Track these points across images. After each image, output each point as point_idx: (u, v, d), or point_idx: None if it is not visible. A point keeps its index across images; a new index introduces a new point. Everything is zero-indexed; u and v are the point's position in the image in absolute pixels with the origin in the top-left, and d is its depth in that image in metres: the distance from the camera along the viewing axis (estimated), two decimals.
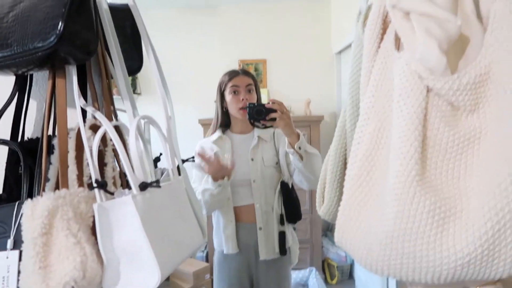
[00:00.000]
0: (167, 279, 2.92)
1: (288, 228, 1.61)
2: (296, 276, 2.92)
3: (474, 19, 0.62)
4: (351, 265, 3.15)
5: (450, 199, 0.55)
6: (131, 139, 0.63)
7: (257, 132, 1.60)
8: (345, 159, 0.80)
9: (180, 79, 3.43)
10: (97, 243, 0.60)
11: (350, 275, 3.17)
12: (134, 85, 3.53)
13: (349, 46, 3.04)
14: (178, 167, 0.81)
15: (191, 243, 0.72)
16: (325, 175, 0.84)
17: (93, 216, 0.62)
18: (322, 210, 0.82)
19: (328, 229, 3.49)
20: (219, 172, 1.38)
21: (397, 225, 0.54)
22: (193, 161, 0.87)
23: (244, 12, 3.54)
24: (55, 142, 0.66)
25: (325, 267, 3.23)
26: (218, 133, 1.62)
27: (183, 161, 0.88)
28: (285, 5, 3.52)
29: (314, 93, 3.47)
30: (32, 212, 0.59)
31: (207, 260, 3.12)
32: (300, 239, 3.05)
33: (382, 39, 0.67)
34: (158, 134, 0.74)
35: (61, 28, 0.58)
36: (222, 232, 1.58)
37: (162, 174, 0.88)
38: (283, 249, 1.55)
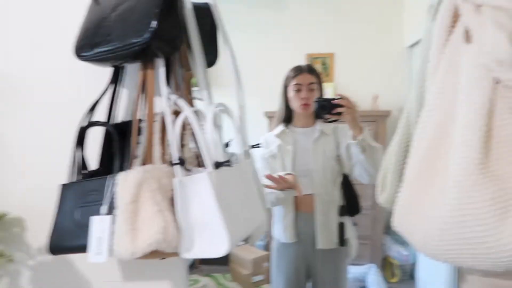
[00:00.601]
0: (228, 263, 3.05)
1: (347, 220, 1.64)
2: (355, 271, 2.90)
3: None
4: (413, 265, 3.06)
5: None
6: (209, 124, 0.70)
7: (318, 126, 1.65)
8: (408, 149, 0.82)
9: (247, 72, 3.50)
10: (174, 212, 0.69)
11: (411, 275, 3.08)
12: None
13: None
14: (247, 152, 0.88)
15: (255, 220, 0.79)
16: (387, 164, 0.86)
17: (172, 190, 0.70)
18: (383, 198, 0.84)
19: (390, 227, 3.40)
20: (286, 187, 1.48)
21: (455, 211, 0.56)
22: (259, 147, 0.96)
23: (312, 6, 3.54)
24: (143, 125, 0.76)
25: (386, 265, 3.16)
26: (281, 127, 1.70)
27: (251, 147, 0.95)
28: None
29: (383, 87, 3.38)
30: (124, 183, 0.69)
31: (266, 249, 3.21)
32: (361, 235, 3.03)
33: (451, 32, 0.68)
34: (231, 121, 0.81)
35: (155, 26, 0.67)
36: (281, 221, 1.64)
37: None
38: (341, 239, 1.57)
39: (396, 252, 3.09)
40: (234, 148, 0.88)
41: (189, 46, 0.84)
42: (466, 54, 0.62)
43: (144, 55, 0.72)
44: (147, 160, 0.74)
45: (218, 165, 0.70)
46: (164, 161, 0.74)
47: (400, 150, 0.82)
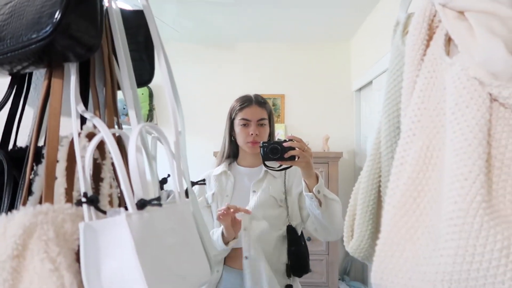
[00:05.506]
0: None
1: (295, 282, 1.40)
2: None
3: None
4: None
5: None
6: (131, 148, 0.53)
7: None
8: (379, 186, 0.69)
9: (197, 112, 3.40)
10: (80, 271, 0.49)
11: None
12: (151, 116, 3.51)
13: (370, 83, 2.97)
14: (186, 190, 0.71)
15: (196, 278, 0.60)
16: (355, 206, 0.72)
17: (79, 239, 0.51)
18: (351, 246, 0.69)
19: (345, 273, 3.26)
20: (231, 226, 1.27)
21: (457, 265, 0.42)
22: (204, 183, 0.78)
23: (262, 49, 3.55)
24: (44, 150, 0.57)
25: None
26: (223, 167, 1.47)
27: (193, 183, 0.78)
28: (305, 43, 3.51)
29: (332, 129, 3.38)
30: (5, 230, 0.49)
31: None
32: (315, 283, 2.85)
33: (428, 45, 0.58)
34: (165, 149, 0.65)
35: (59, 17, 0.51)
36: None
37: (168, 197, 0.77)
38: None
39: None
40: (171, 186, 0.71)
41: (116, 58, 0.68)
42: (451, 68, 0.51)
43: (48, 57, 0.55)
44: (46, 197, 0.55)
45: (143, 204, 0.52)
46: (70, 199, 0.55)
47: (369, 187, 0.69)
